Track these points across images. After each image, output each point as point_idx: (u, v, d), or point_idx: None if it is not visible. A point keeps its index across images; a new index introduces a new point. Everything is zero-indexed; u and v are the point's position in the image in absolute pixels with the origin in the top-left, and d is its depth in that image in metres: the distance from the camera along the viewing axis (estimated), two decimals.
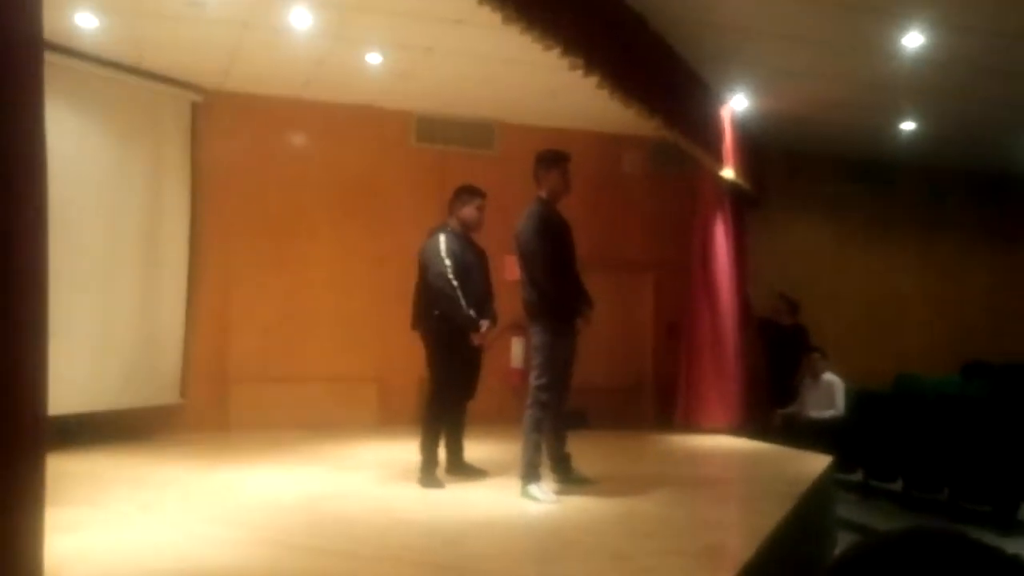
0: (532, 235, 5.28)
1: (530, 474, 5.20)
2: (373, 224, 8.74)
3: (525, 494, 5.16)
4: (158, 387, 7.78)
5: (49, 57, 2.53)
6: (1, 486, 2.35)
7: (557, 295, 5.27)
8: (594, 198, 8.93)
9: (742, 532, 4.87)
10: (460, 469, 5.93)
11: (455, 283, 5.56)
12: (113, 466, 6.24)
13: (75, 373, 6.62)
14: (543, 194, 5.45)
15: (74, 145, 6.83)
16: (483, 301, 5.75)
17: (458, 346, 5.64)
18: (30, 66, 2.46)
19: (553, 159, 5.48)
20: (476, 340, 5.64)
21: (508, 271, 7.79)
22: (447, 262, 5.60)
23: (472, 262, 5.78)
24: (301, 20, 6.44)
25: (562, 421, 5.55)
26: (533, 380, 5.30)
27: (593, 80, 6.02)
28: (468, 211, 5.85)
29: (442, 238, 5.71)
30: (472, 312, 5.57)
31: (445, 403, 5.75)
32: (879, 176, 11.17)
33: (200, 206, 8.15)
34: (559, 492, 5.31)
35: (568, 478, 5.56)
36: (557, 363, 5.28)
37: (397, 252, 8.19)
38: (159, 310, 7.78)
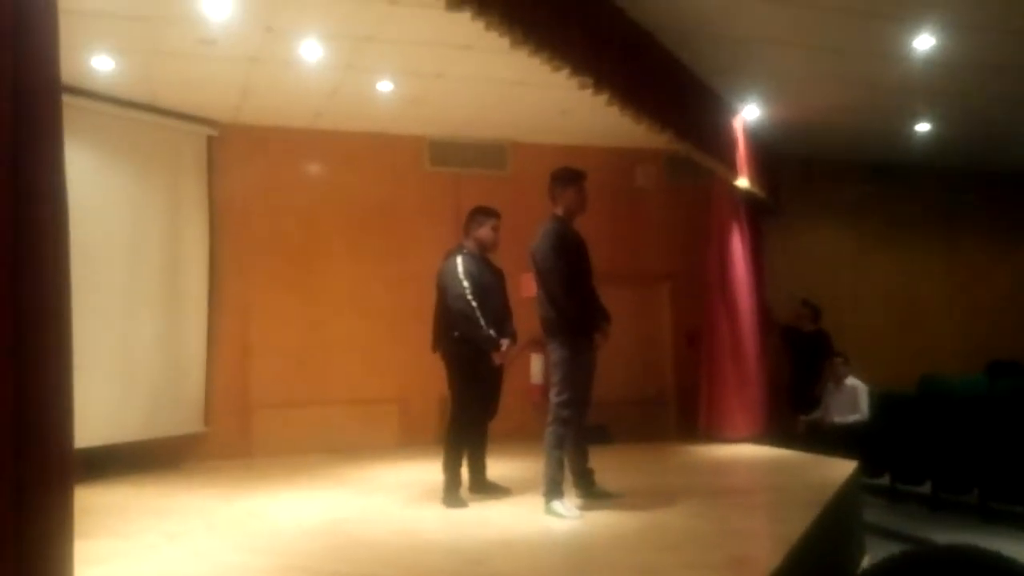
0: (548, 252, 5.30)
1: (553, 491, 5.21)
2: (390, 248, 8.82)
3: (549, 511, 5.16)
4: (182, 416, 7.87)
5: (67, 100, 2.60)
6: (31, 520, 2.39)
7: (574, 311, 5.27)
8: (609, 212, 8.96)
9: (768, 541, 4.85)
10: (483, 488, 5.95)
11: (474, 304, 5.60)
12: (139, 497, 6.30)
13: (100, 406, 6.71)
14: (559, 212, 5.48)
15: (94, 183, 6.96)
16: (502, 320, 5.79)
17: (479, 366, 5.67)
18: (49, 110, 2.52)
19: (569, 177, 5.51)
20: (497, 359, 5.68)
21: (524, 289, 7.81)
22: (465, 283, 5.64)
23: (490, 282, 5.82)
24: (312, 52, 6.54)
25: (584, 436, 5.56)
26: (553, 397, 5.31)
27: (603, 97, 6.04)
28: (483, 232, 5.90)
29: (459, 260, 5.76)
30: (492, 331, 5.61)
31: (467, 423, 5.78)
32: (896, 178, 11.12)
33: (218, 237, 8.26)
34: (583, 507, 5.31)
35: (591, 493, 5.56)
36: (577, 379, 5.28)
37: (415, 275, 8.24)
38: (181, 340, 7.88)
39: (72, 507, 2.55)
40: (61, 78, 2.60)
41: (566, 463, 5.38)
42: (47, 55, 2.53)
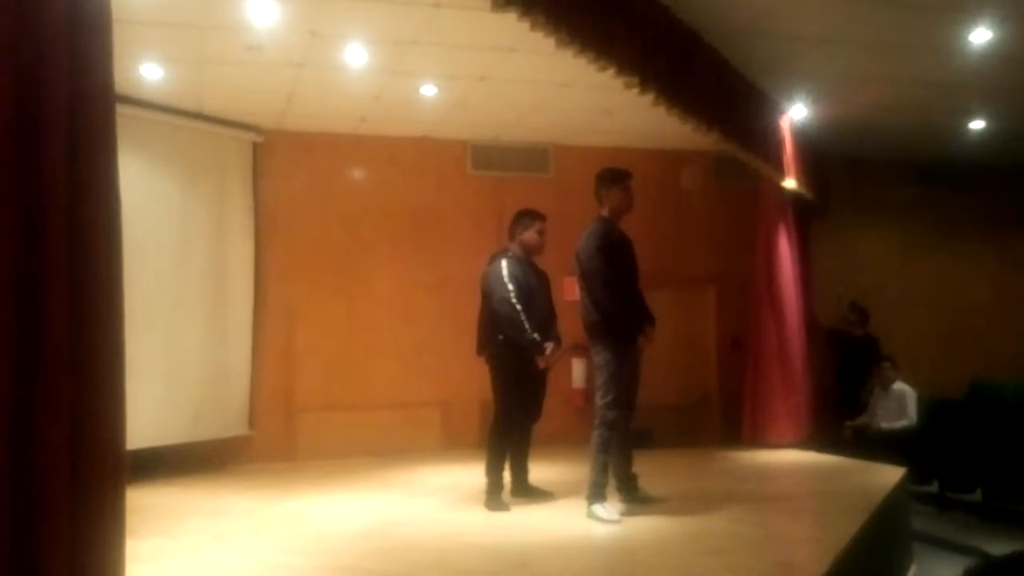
0: (593, 253, 5.30)
1: (596, 494, 5.19)
2: (433, 252, 8.85)
3: (590, 515, 5.16)
4: (227, 420, 7.96)
5: (117, 108, 2.65)
6: (85, 520, 2.44)
7: (618, 314, 5.25)
8: (653, 214, 8.90)
9: (815, 548, 4.78)
10: (525, 491, 5.94)
11: (519, 307, 5.59)
12: (186, 498, 6.39)
13: (148, 408, 6.81)
14: (604, 212, 5.49)
15: (142, 189, 7.06)
16: (547, 324, 5.77)
17: (523, 370, 5.66)
18: (104, 117, 2.57)
19: (615, 177, 5.53)
20: (541, 363, 5.66)
21: (567, 292, 7.81)
22: (510, 287, 5.63)
23: (535, 285, 5.81)
24: (356, 57, 6.58)
25: (629, 441, 5.54)
26: (598, 400, 5.29)
27: (649, 98, 5.99)
28: (529, 235, 5.89)
29: (504, 263, 5.75)
30: (536, 335, 5.59)
31: (511, 426, 5.78)
32: (947, 178, 10.85)
33: (263, 242, 8.35)
34: (625, 513, 5.29)
35: (633, 498, 5.55)
36: (621, 381, 5.25)
37: (458, 278, 8.28)
38: (227, 345, 7.97)
39: (124, 507, 2.59)
40: (114, 85, 2.64)
41: (611, 467, 5.36)
42: (101, 62, 2.58)
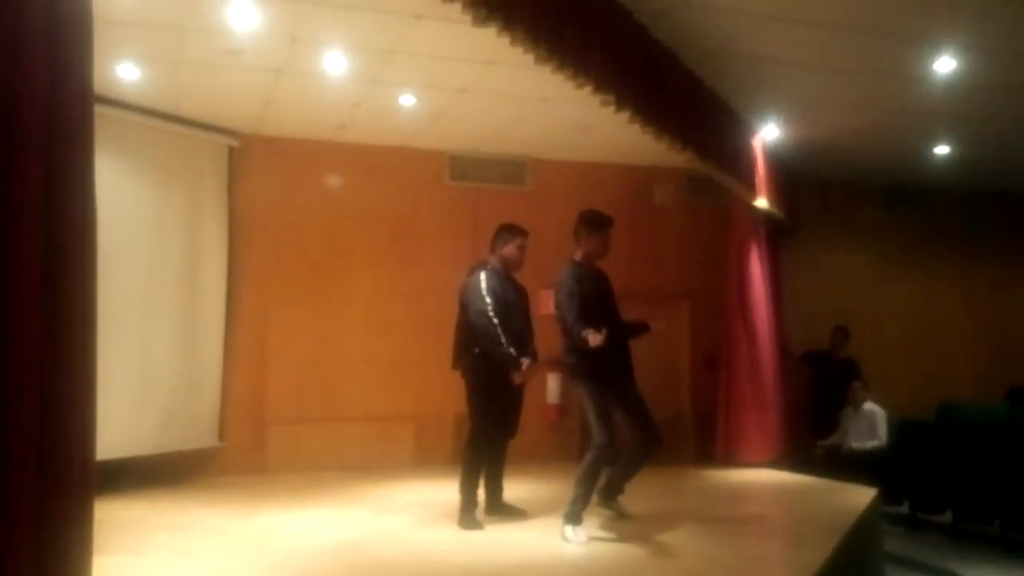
0: (563, 299, 5.31)
1: (572, 517, 5.17)
2: (409, 263, 8.78)
3: (564, 536, 5.13)
4: (197, 430, 7.81)
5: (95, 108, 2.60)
6: (53, 534, 2.37)
7: (593, 356, 5.14)
8: (627, 230, 8.86)
9: (789, 569, 4.79)
10: (499, 509, 5.88)
11: (496, 321, 5.54)
12: (153, 512, 6.24)
13: (116, 418, 6.66)
14: (577, 257, 5.55)
15: (114, 190, 6.91)
16: (524, 339, 5.71)
17: (499, 384, 5.60)
18: (81, 117, 2.52)
19: (598, 223, 5.55)
20: (517, 379, 5.60)
21: (543, 305, 7.77)
22: (488, 300, 5.58)
23: (512, 300, 5.76)
24: (336, 65, 6.53)
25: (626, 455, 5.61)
26: (596, 437, 5.25)
27: (625, 115, 6.02)
28: (509, 250, 5.84)
29: (483, 276, 5.70)
30: (512, 350, 5.54)
31: (486, 442, 5.72)
32: (916, 201, 11.02)
33: (237, 248, 8.23)
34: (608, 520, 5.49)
35: (609, 505, 5.73)
36: (609, 416, 5.27)
37: (433, 290, 8.22)
38: (197, 353, 7.82)
39: (92, 519, 2.53)
40: (93, 85, 2.59)
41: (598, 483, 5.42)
42: (80, 62, 2.53)
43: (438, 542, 5.22)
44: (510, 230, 5.90)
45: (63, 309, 2.41)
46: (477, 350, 5.62)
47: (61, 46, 2.44)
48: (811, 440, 9.17)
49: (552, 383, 8.78)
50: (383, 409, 8.55)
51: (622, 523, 5.51)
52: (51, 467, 2.36)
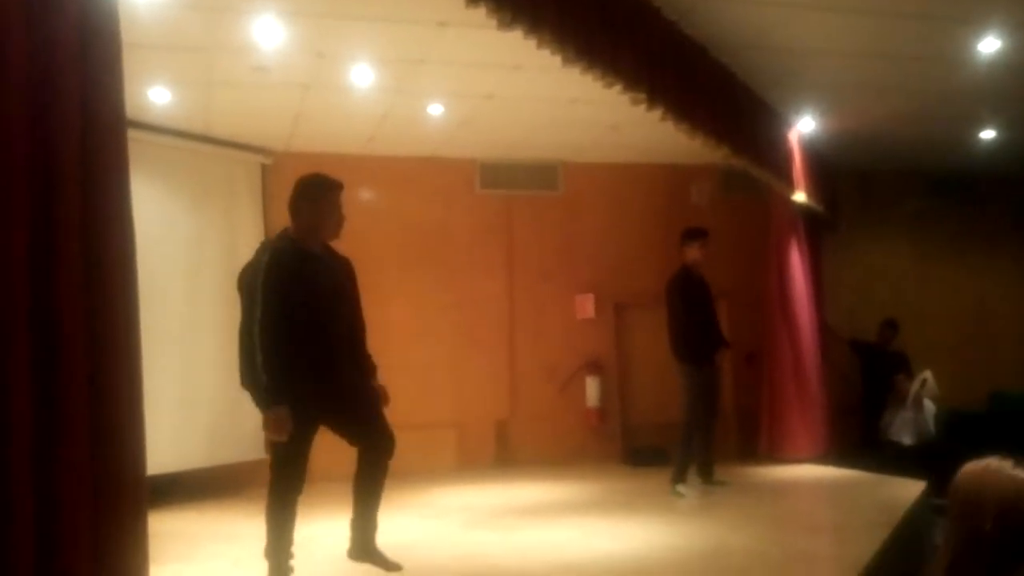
0: (672, 294, 6.77)
1: (677, 476, 6.52)
2: (443, 272, 8.80)
3: (673, 492, 6.44)
4: (242, 444, 7.88)
5: (128, 133, 2.65)
6: (108, 547, 2.42)
7: (692, 340, 6.67)
8: (664, 230, 8.82)
9: (837, 564, 4.73)
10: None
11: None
12: (203, 523, 6.35)
13: (164, 434, 6.75)
14: (687, 262, 6.89)
15: (152, 214, 7.03)
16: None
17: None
18: (116, 147, 2.57)
19: (691, 235, 6.94)
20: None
21: (579, 310, 7.78)
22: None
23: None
24: (363, 77, 6.58)
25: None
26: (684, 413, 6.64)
27: (657, 113, 5.97)
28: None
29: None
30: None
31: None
32: (961, 189, 10.77)
33: None
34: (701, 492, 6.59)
35: (710, 481, 6.80)
36: (699, 395, 6.62)
37: (468, 298, 8.24)
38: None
39: (146, 532, 2.58)
40: (125, 108, 2.64)
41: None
42: (112, 90, 2.58)
43: (486, 545, 5.24)
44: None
45: (108, 331, 2.46)
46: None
47: (93, 76, 2.48)
48: (858, 435, 9.04)
49: (591, 387, 8.73)
50: (424, 417, 8.55)
51: (669, 521, 5.47)
52: (105, 486, 2.43)
